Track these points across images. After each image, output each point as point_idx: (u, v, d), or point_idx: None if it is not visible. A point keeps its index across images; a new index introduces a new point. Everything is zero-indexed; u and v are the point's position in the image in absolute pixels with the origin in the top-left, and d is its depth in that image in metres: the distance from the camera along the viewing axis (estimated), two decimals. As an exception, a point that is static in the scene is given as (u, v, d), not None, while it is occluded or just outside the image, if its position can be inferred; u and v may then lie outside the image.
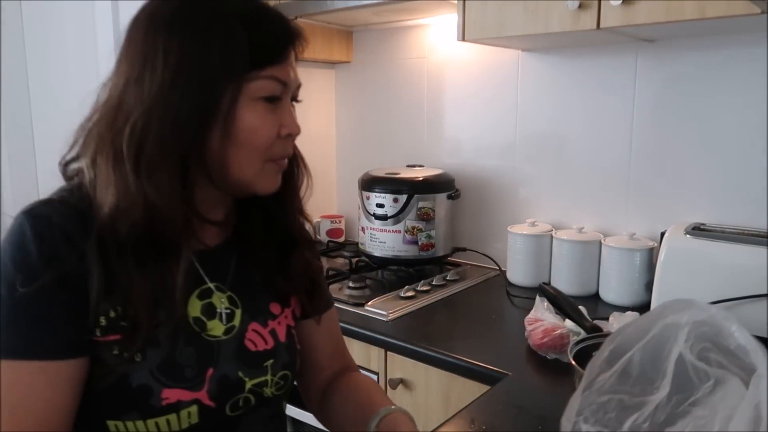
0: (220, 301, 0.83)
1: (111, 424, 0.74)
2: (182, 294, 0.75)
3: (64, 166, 0.81)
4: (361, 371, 1.47)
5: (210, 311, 0.82)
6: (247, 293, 0.86)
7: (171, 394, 0.75)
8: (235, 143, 0.74)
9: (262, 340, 0.85)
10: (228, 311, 0.83)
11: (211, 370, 0.78)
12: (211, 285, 0.83)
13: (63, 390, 0.71)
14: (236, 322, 0.83)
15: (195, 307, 0.80)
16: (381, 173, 1.94)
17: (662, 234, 1.45)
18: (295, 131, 0.80)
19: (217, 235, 0.86)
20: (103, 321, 0.73)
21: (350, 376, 1.00)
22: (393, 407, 0.87)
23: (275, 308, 0.89)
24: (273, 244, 0.90)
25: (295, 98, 0.83)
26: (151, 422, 0.74)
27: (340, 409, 0.94)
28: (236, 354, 0.82)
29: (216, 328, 0.81)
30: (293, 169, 0.89)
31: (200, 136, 0.73)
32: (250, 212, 0.89)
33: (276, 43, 0.76)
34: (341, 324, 1.51)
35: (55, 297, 0.70)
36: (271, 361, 0.85)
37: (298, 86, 0.82)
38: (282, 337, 0.88)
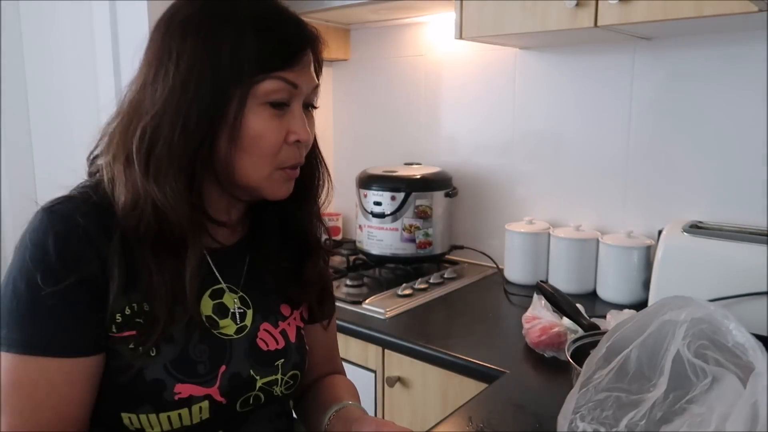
0: (233, 301, 0.84)
1: (125, 416, 0.75)
2: (193, 290, 0.76)
3: (91, 160, 0.82)
4: (357, 370, 1.49)
5: (222, 310, 0.83)
6: (258, 294, 0.87)
7: (183, 389, 0.76)
8: (241, 148, 0.74)
9: (274, 340, 0.86)
10: (240, 311, 0.84)
11: (223, 368, 0.80)
12: (223, 285, 0.84)
13: (81, 386, 0.73)
14: (248, 321, 0.85)
15: (207, 306, 0.82)
16: (378, 171, 1.93)
17: (659, 232, 1.45)
18: (303, 138, 0.78)
19: (232, 234, 0.87)
20: (118, 318, 0.74)
21: (332, 376, 1.01)
22: (350, 402, 0.90)
23: (285, 310, 0.90)
24: (287, 250, 0.90)
25: (311, 104, 0.82)
26: (163, 416, 0.75)
27: (311, 404, 0.96)
28: (248, 353, 0.83)
29: (228, 327, 0.83)
30: (314, 175, 0.89)
31: (208, 141, 0.73)
32: (266, 215, 0.89)
33: (287, 48, 0.75)
34: (338, 322, 1.52)
35: (73, 296, 0.71)
36: (282, 360, 0.86)
37: (314, 91, 0.81)
38: (292, 337, 0.89)
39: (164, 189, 0.72)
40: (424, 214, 1.87)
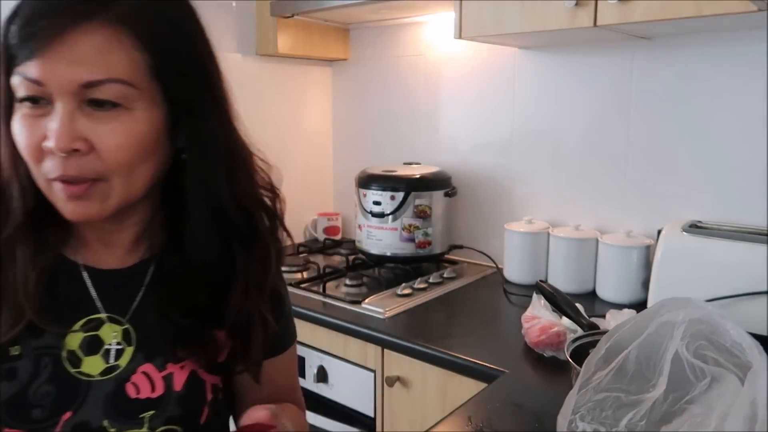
0: (111, 335, 0.73)
1: None
2: (29, 284, 0.67)
3: None
4: (356, 370, 1.49)
5: (92, 346, 0.71)
6: (149, 328, 0.74)
7: None
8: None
9: (150, 386, 0.72)
10: (118, 347, 0.72)
11: (68, 414, 0.68)
12: (103, 315, 0.73)
13: None
14: (123, 361, 0.72)
15: (75, 339, 0.71)
16: (378, 171, 1.93)
17: (659, 231, 1.45)
18: (50, 144, 0.61)
19: (128, 255, 0.76)
20: None
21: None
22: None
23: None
24: (201, 285, 0.74)
25: (95, 101, 0.62)
26: None
27: None
28: (109, 399, 0.70)
29: (93, 366, 0.71)
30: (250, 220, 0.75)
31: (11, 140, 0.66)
32: (176, 234, 0.74)
33: (22, 36, 0.61)
34: (338, 321, 1.52)
35: None
36: (152, 412, 0.71)
37: (101, 87, 0.61)
38: (178, 385, 0.73)
39: None
40: (423, 214, 1.87)
